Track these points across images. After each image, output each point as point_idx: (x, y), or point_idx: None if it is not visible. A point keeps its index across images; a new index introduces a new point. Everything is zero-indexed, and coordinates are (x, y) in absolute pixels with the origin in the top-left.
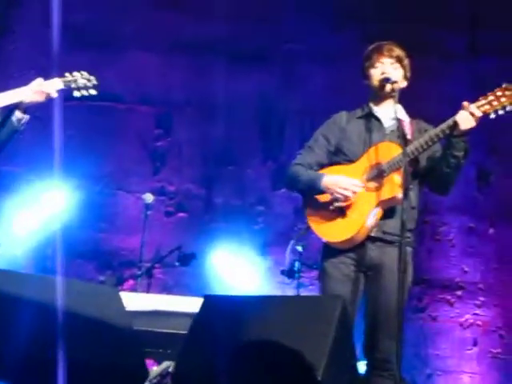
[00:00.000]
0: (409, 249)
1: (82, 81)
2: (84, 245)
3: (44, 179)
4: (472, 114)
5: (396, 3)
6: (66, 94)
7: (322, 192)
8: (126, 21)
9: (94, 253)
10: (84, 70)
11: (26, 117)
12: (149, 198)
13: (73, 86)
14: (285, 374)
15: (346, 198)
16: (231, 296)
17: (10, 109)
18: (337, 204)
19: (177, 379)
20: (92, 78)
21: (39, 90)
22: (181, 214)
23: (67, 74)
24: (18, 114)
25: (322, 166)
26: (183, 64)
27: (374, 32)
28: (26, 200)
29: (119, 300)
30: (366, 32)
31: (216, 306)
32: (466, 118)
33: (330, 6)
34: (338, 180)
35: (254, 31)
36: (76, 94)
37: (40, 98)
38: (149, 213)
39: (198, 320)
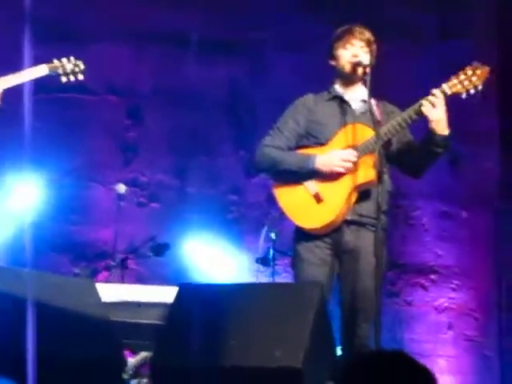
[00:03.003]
0: (383, 232)
1: (70, 66)
2: (57, 238)
3: (13, 173)
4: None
5: None
6: (33, 86)
7: (313, 172)
8: (92, 12)
9: (67, 245)
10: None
11: None
12: (121, 188)
13: (60, 71)
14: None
15: (348, 170)
16: (207, 284)
17: None
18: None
19: (154, 369)
20: (79, 62)
21: None
22: (153, 205)
23: (55, 61)
24: None
25: (289, 149)
26: (152, 54)
27: (339, 17)
28: None
29: (95, 291)
30: (333, 17)
31: (191, 294)
32: (430, 108)
33: None
34: (331, 155)
35: (222, 20)
36: (63, 79)
37: None
38: (122, 204)
39: (174, 309)
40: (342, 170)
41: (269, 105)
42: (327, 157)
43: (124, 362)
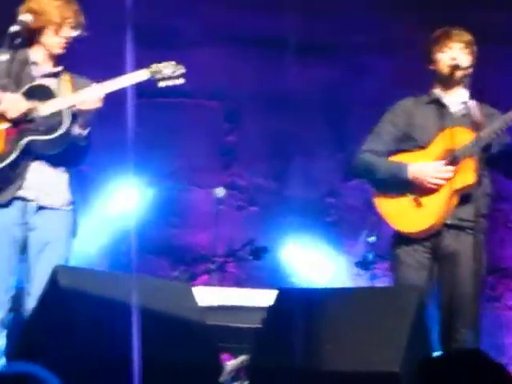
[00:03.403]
0: (482, 236)
1: (169, 70)
2: (157, 241)
3: (115, 178)
4: None
5: None
6: (135, 91)
7: (407, 182)
8: (192, 16)
9: (167, 248)
10: None
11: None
12: (220, 192)
13: (159, 76)
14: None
15: (439, 186)
16: (305, 289)
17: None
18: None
19: (252, 373)
20: (179, 67)
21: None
22: (252, 208)
23: (153, 65)
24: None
25: (389, 153)
26: (251, 58)
27: (434, 19)
28: (98, 199)
29: (191, 295)
30: (431, 19)
31: (290, 298)
32: None
33: None
34: (426, 168)
35: (321, 23)
36: (163, 84)
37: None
38: (220, 207)
39: (272, 313)
40: (433, 186)
41: (367, 108)
42: (421, 168)
43: (221, 366)
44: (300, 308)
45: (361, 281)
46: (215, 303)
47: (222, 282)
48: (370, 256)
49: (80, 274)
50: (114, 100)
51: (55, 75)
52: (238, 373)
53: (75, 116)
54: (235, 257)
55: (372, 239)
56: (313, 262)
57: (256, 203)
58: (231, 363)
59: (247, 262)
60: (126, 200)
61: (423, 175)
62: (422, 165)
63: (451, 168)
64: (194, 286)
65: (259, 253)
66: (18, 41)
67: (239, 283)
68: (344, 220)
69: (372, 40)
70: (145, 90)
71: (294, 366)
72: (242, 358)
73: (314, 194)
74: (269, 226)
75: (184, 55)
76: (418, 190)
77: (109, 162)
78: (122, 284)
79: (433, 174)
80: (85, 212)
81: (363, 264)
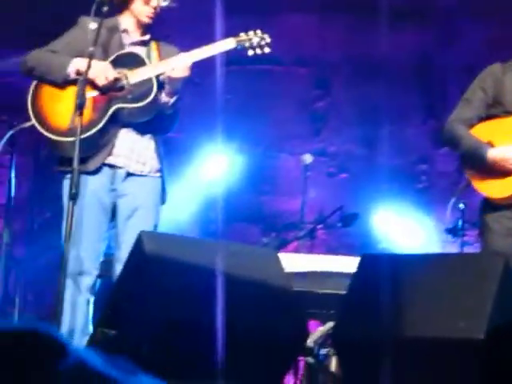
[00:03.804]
0: None
1: (256, 39)
2: (247, 208)
3: (206, 144)
4: None
5: None
6: (225, 58)
7: (486, 164)
8: None
9: (257, 216)
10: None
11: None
12: (308, 158)
13: (246, 44)
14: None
15: None
16: (389, 254)
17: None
18: None
19: (336, 340)
20: (266, 36)
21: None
22: (343, 175)
23: (241, 34)
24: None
25: (479, 119)
26: (340, 23)
27: None
28: (188, 165)
29: (278, 261)
30: None
31: (374, 264)
32: None
33: None
34: (506, 153)
35: None
36: (250, 52)
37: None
38: (308, 174)
39: (356, 279)
40: None
41: (459, 73)
42: (501, 153)
43: (307, 332)
44: (383, 274)
45: (451, 248)
46: (303, 270)
47: (311, 249)
48: (460, 223)
49: (165, 240)
50: (204, 67)
51: (144, 43)
52: (325, 339)
53: (163, 84)
54: (325, 224)
55: (461, 206)
56: (403, 228)
57: (346, 170)
58: (319, 330)
59: (337, 228)
60: (216, 167)
61: (504, 160)
62: (501, 150)
63: None
64: (283, 252)
65: (349, 220)
66: (105, 8)
67: (329, 250)
68: (435, 186)
69: (463, 3)
70: (235, 57)
71: (377, 332)
72: (330, 324)
73: (405, 160)
74: (359, 192)
75: (274, 22)
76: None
77: (199, 129)
78: (207, 250)
79: None
80: (175, 179)
81: (453, 231)
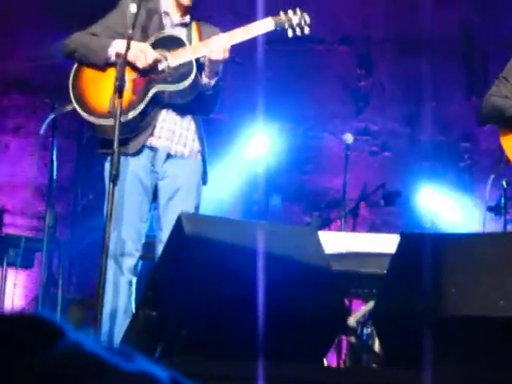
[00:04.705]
0: None
1: (296, 19)
2: (290, 187)
3: (248, 124)
4: None
5: None
6: (265, 37)
7: None
8: None
9: (300, 194)
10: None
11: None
12: (349, 138)
13: (286, 25)
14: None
15: None
16: (428, 233)
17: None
18: None
19: (376, 319)
20: (305, 15)
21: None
22: (385, 154)
23: (281, 13)
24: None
25: None
26: (381, 1)
27: None
28: (230, 145)
29: (317, 240)
30: None
31: (413, 243)
32: None
33: None
34: None
35: None
36: (290, 33)
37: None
38: (349, 153)
39: (396, 259)
40: None
41: (502, 50)
42: None
43: (347, 311)
44: (423, 253)
45: (495, 225)
46: (343, 249)
47: (354, 228)
48: (503, 200)
49: (205, 221)
50: (245, 47)
51: (184, 25)
52: (367, 319)
53: (203, 66)
54: (368, 202)
55: (504, 183)
56: (446, 207)
57: (389, 148)
58: (361, 309)
59: (380, 207)
60: (258, 147)
61: None
62: None
63: None
64: (327, 231)
65: (392, 198)
66: None
67: (373, 228)
68: (478, 164)
69: None
70: (275, 36)
71: (417, 311)
72: (372, 303)
73: (447, 138)
74: (402, 170)
75: (314, 0)
76: None
77: (241, 109)
78: (246, 231)
79: None
80: (218, 160)
81: (495, 208)
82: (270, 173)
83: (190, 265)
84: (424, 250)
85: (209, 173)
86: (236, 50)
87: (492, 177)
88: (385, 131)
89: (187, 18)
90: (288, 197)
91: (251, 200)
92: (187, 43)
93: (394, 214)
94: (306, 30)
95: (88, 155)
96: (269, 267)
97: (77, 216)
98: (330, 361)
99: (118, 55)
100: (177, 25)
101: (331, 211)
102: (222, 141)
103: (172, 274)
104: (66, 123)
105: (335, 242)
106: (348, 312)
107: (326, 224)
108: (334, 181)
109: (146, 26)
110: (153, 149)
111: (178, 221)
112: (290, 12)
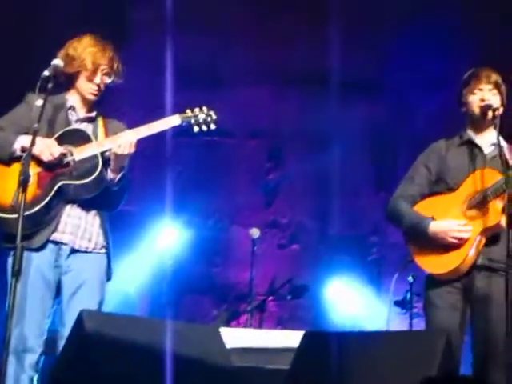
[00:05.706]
0: None
1: (202, 116)
2: (199, 279)
3: (156, 216)
4: None
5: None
6: (175, 131)
7: (428, 237)
8: (233, 57)
9: (209, 287)
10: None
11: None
12: (255, 232)
13: (192, 121)
14: None
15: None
16: (331, 332)
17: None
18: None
19: None
20: (212, 112)
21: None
22: (294, 246)
23: (187, 110)
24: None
25: (423, 197)
26: (293, 96)
27: (481, 56)
28: (138, 238)
29: (219, 338)
30: (474, 56)
31: (315, 342)
32: None
33: (436, 33)
34: (446, 227)
35: (363, 61)
36: (196, 129)
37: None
38: (255, 248)
39: (298, 357)
40: (454, 242)
41: (411, 145)
42: (441, 226)
43: None
44: (325, 351)
45: (401, 319)
46: (248, 345)
47: (262, 322)
48: (408, 295)
49: (106, 319)
50: (154, 139)
51: (90, 120)
52: None
53: (108, 161)
54: (276, 296)
55: (410, 279)
56: (354, 300)
57: (298, 241)
58: None
59: (288, 300)
60: (166, 240)
61: (444, 232)
62: (442, 223)
63: (470, 228)
64: (233, 326)
65: (298, 291)
66: (50, 85)
67: (280, 323)
68: (386, 258)
69: (416, 76)
70: (185, 128)
71: None
72: None
73: (356, 232)
74: (311, 264)
75: (226, 95)
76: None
77: (151, 202)
78: (148, 329)
79: (452, 234)
80: (127, 252)
81: (402, 303)
82: (178, 265)
83: (89, 364)
84: (326, 349)
85: (116, 266)
86: (145, 142)
87: (396, 275)
88: (294, 224)
89: (93, 113)
90: (196, 289)
91: (160, 292)
92: (93, 138)
93: (302, 308)
94: (212, 127)
95: None
96: (171, 366)
97: None
98: None
99: (23, 150)
100: (83, 120)
101: (240, 304)
102: (131, 233)
103: (71, 373)
104: None
105: (240, 337)
106: None
107: (233, 317)
108: (243, 274)
109: (53, 120)
110: (57, 243)
111: (79, 318)
112: (197, 109)
